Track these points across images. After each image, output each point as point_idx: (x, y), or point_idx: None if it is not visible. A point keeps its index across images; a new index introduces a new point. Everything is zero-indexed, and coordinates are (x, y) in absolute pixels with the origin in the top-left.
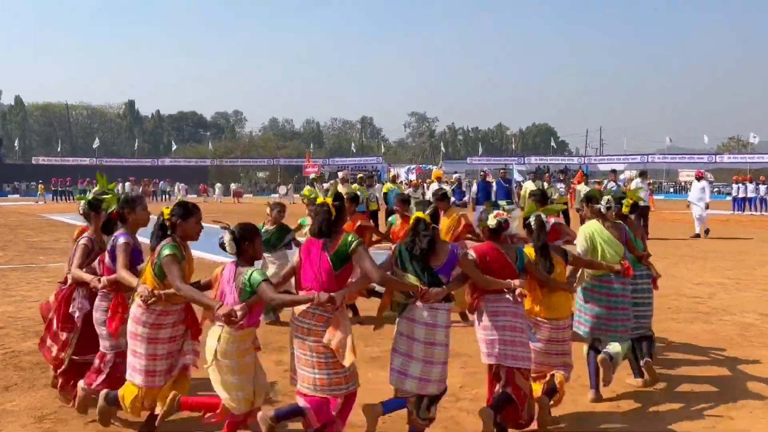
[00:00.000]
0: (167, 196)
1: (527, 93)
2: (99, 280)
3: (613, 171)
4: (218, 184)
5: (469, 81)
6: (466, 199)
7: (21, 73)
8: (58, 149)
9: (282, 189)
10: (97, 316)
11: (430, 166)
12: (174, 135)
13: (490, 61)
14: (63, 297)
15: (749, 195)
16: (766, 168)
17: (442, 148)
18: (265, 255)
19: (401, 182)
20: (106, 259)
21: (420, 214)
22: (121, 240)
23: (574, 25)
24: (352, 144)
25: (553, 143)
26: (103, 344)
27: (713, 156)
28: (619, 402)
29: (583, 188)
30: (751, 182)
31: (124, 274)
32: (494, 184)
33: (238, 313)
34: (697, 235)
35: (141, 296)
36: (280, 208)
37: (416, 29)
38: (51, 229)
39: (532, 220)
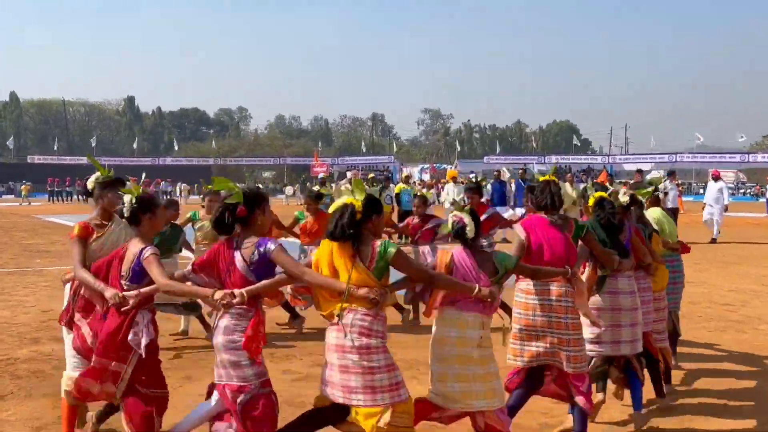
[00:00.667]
0: (168, 197)
1: (548, 88)
2: (233, 294)
3: (639, 171)
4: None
5: (487, 75)
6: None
7: (16, 68)
8: (55, 148)
9: (289, 189)
10: (235, 338)
11: (445, 165)
12: (175, 133)
13: (509, 54)
14: (122, 322)
15: None
16: None
17: (458, 147)
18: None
19: (414, 182)
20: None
21: (602, 194)
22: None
23: (598, 17)
24: (363, 142)
25: (575, 141)
26: (241, 373)
27: (746, 155)
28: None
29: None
30: None
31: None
32: (513, 184)
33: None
34: (713, 240)
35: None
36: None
37: (431, 21)
38: (47, 232)
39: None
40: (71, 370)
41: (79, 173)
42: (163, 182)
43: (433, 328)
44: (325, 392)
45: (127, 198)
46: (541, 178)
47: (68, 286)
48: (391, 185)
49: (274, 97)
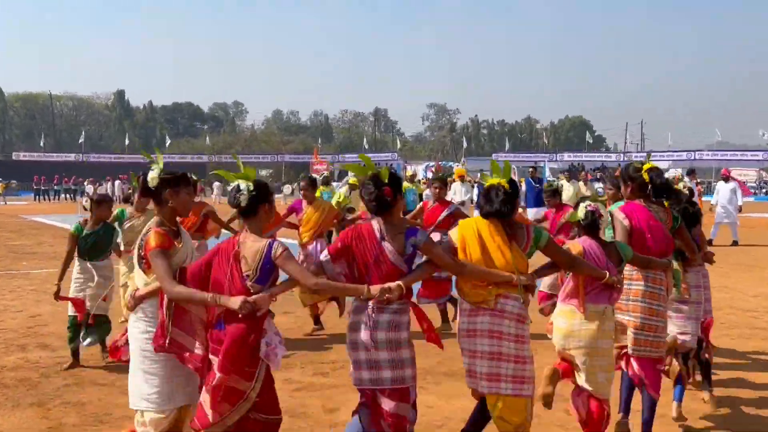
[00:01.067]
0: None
1: (560, 82)
2: (390, 288)
3: (692, 171)
4: (216, 183)
5: (496, 68)
6: None
7: (0, 59)
8: (41, 144)
9: (287, 188)
10: (401, 336)
11: (451, 163)
12: (168, 128)
13: (519, 47)
14: (248, 331)
15: None
16: None
17: (465, 143)
18: (88, 264)
19: (419, 181)
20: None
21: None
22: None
23: (610, 8)
24: (365, 139)
25: (588, 138)
26: (401, 374)
27: None
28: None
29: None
30: None
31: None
32: (523, 184)
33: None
34: (735, 242)
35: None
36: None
37: (436, 11)
38: (33, 232)
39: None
40: (157, 410)
41: (67, 171)
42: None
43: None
44: (472, 384)
45: (244, 185)
46: (646, 166)
47: (147, 307)
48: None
49: (272, 91)
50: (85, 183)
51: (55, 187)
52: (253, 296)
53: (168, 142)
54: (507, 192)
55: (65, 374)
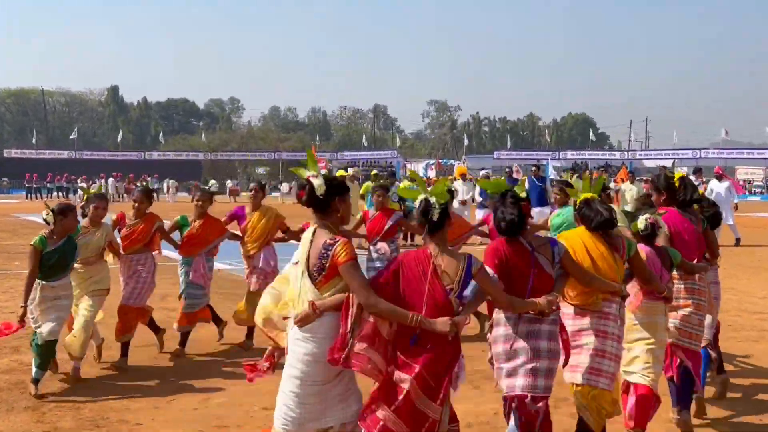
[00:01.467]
0: (155, 194)
1: (563, 79)
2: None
3: (663, 167)
4: (212, 181)
5: (497, 65)
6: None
7: None
8: (33, 141)
9: (284, 187)
10: (556, 346)
11: (452, 161)
12: (162, 125)
13: (521, 42)
14: (450, 355)
15: None
16: None
17: (466, 141)
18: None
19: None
20: None
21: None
22: None
23: (614, 4)
24: (364, 136)
25: (592, 136)
26: (550, 383)
27: None
28: None
29: (628, 187)
30: None
31: None
32: (526, 182)
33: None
34: (738, 241)
35: None
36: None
37: (437, 6)
38: (26, 231)
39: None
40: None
41: (59, 168)
42: (149, 178)
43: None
44: (573, 378)
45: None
46: (677, 175)
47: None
48: (396, 183)
49: (269, 87)
50: (79, 180)
51: (48, 185)
52: (456, 318)
53: (162, 139)
54: (606, 205)
55: (59, 377)
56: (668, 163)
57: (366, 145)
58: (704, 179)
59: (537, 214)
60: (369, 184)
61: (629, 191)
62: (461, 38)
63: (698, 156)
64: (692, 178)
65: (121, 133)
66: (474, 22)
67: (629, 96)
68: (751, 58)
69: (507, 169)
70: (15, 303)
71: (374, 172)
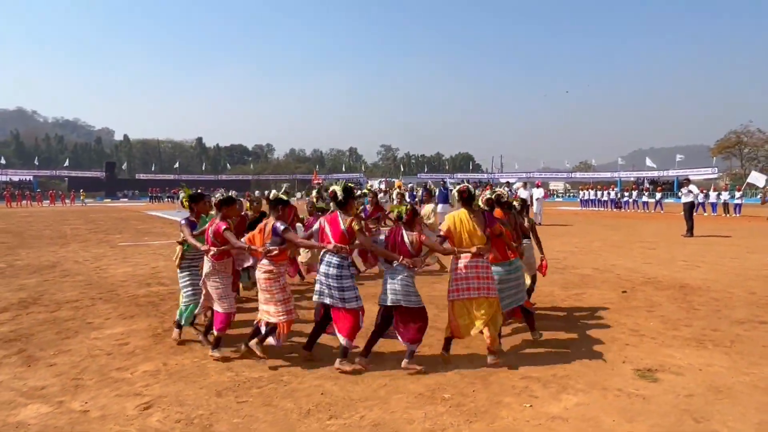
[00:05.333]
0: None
1: (456, 131)
2: None
3: (507, 182)
4: (257, 191)
5: (418, 124)
6: (416, 199)
7: (128, 116)
8: (152, 169)
9: (298, 194)
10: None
11: (394, 179)
12: (228, 159)
13: (433, 109)
14: None
15: (590, 198)
16: (600, 181)
17: (402, 168)
18: None
19: (375, 189)
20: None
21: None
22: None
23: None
24: (343, 165)
25: (471, 165)
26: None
27: (570, 173)
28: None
29: (488, 194)
30: (591, 190)
31: None
32: (436, 190)
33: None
34: (539, 223)
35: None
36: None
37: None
38: (150, 221)
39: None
40: None
41: (168, 185)
42: (221, 190)
43: None
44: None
45: (338, 188)
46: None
47: None
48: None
49: (288, 136)
50: (180, 192)
51: (159, 195)
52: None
53: (228, 166)
54: (471, 192)
55: (174, 298)
56: (512, 180)
57: (344, 170)
58: (529, 188)
59: (441, 208)
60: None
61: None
62: (401, 105)
63: (528, 176)
64: (522, 188)
65: (204, 165)
66: (408, 96)
67: (491, 144)
68: (557, 116)
69: (424, 183)
70: (146, 260)
71: (350, 185)
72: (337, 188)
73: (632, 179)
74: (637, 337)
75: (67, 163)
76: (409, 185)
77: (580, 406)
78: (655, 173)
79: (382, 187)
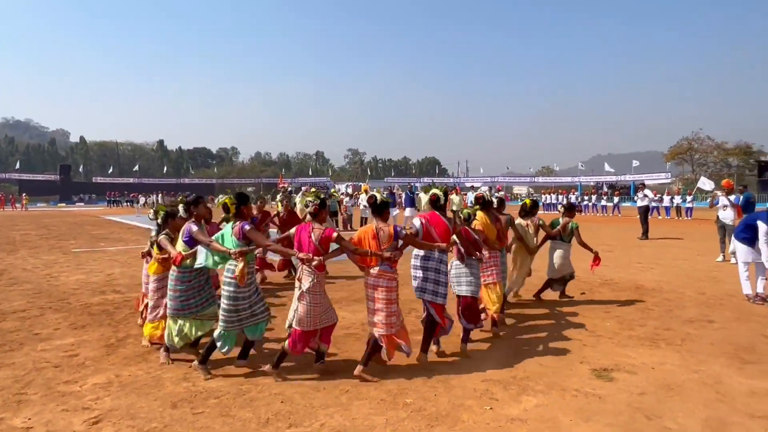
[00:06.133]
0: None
1: (422, 135)
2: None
3: (473, 186)
4: (221, 195)
5: (385, 128)
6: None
7: (84, 117)
8: (110, 172)
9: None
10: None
11: (360, 183)
12: (191, 163)
13: (399, 114)
14: None
15: (553, 201)
16: (562, 185)
17: (369, 172)
18: None
19: (342, 193)
20: None
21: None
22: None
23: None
24: (310, 169)
25: (437, 170)
26: None
27: (533, 178)
28: None
29: (455, 197)
30: (553, 194)
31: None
32: (403, 194)
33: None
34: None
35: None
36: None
37: (353, 90)
38: (108, 225)
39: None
40: None
41: (128, 189)
42: (187, 193)
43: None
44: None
45: (311, 198)
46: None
47: None
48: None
49: (255, 140)
50: (140, 196)
51: (118, 199)
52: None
53: (192, 171)
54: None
55: (129, 307)
56: (477, 184)
57: (311, 174)
58: (494, 191)
59: (409, 212)
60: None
61: (456, 199)
62: (369, 110)
63: (493, 180)
64: (487, 191)
65: (165, 168)
66: (373, 104)
67: (457, 149)
68: (521, 126)
69: (389, 187)
70: (101, 266)
71: (313, 189)
72: (311, 197)
73: (592, 184)
74: (594, 337)
75: (18, 166)
76: (376, 188)
77: (539, 407)
78: (613, 178)
79: (349, 191)
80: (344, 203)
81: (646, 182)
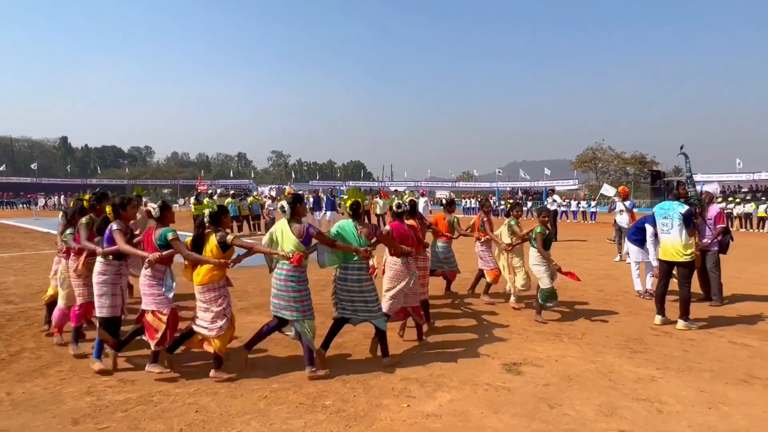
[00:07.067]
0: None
1: (348, 138)
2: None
3: (396, 190)
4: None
5: (310, 130)
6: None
7: None
8: (3, 170)
9: (181, 201)
10: None
11: (284, 186)
12: (99, 162)
13: (323, 117)
14: None
15: (473, 206)
16: (481, 190)
17: (293, 175)
18: None
19: (265, 196)
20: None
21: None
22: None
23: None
24: (231, 171)
25: (362, 173)
26: None
27: (454, 183)
28: None
29: (380, 200)
30: (473, 198)
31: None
32: (324, 197)
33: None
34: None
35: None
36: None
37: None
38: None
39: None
40: None
41: (24, 189)
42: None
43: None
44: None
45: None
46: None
47: None
48: (249, 198)
49: (171, 138)
50: (38, 197)
51: (13, 200)
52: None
53: (100, 170)
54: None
55: (24, 318)
56: (401, 188)
57: (233, 176)
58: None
59: (329, 216)
60: (230, 199)
61: (380, 202)
62: (293, 112)
63: (417, 185)
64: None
65: (69, 167)
66: (299, 101)
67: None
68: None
69: (314, 191)
70: None
71: (232, 192)
72: (285, 202)
73: (508, 189)
74: (506, 333)
75: None
76: (300, 191)
77: (453, 402)
78: (528, 184)
79: (273, 194)
80: (267, 206)
81: (557, 188)
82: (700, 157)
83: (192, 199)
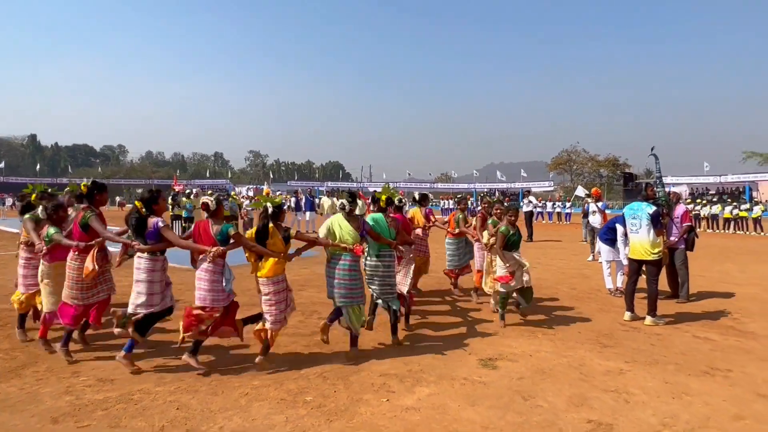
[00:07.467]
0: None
1: (326, 138)
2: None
3: (375, 191)
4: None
5: (288, 130)
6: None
7: None
8: None
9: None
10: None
11: (262, 186)
12: (70, 161)
13: (302, 117)
14: None
15: (451, 207)
16: (459, 191)
17: (271, 175)
18: None
19: (242, 196)
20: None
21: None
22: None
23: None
24: (208, 171)
25: (341, 174)
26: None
27: (432, 184)
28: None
29: (361, 203)
30: (451, 199)
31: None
32: (304, 198)
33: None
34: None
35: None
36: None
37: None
38: None
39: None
40: None
41: None
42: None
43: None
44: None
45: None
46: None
47: None
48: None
49: (146, 138)
50: (6, 196)
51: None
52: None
53: (71, 170)
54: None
55: (5, 318)
56: (379, 188)
57: (209, 176)
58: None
59: (309, 216)
60: (185, 198)
61: (360, 203)
62: (272, 112)
63: (396, 186)
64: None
65: (38, 166)
66: (279, 103)
67: (361, 153)
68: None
69: (294, 191)
70: None
71: (209, 192)
72: (270, 204)
73: (486, 190)
74: (483, 330)
75: None
76: (278, 193)
77: (431, 396)
78: (505, 185)
79: (250, 194)
80: (244, 207)
81: (533, 189)
82: (669, 160)
83: (169, 199)
